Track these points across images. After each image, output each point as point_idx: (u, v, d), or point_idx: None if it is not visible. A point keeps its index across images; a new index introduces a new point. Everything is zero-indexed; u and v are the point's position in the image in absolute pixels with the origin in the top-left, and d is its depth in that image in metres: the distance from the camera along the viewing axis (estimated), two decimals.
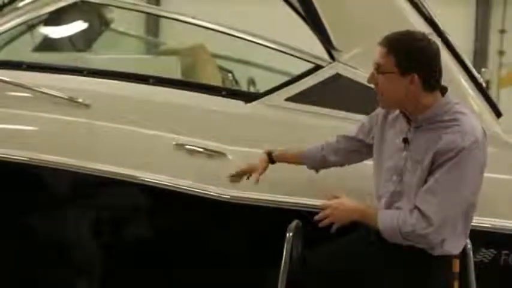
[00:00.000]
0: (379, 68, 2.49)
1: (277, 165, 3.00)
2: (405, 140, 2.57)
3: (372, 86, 2.57)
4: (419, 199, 2.46)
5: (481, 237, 2.93)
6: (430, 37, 2.54)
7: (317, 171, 2.98)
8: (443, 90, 2.54)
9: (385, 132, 2.69)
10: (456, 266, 2.70)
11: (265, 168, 2.96)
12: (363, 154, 2.88)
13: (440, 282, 2.59)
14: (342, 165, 2.96)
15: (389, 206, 2.60)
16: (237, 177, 3.03)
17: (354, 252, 2.66)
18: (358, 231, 2.70)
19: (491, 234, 3.03)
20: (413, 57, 2.45)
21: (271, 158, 2.97)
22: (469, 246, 2.73)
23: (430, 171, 2.47)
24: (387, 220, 2.50)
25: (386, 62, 2.47)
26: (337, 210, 2.58)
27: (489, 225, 3.03)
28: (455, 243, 2.56)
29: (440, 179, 2.43)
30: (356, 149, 2.89)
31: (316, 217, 2.60)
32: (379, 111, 2.76)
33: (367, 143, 2.82)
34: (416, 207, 2.45)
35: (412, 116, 2.54)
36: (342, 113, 3.18)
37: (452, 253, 2.57)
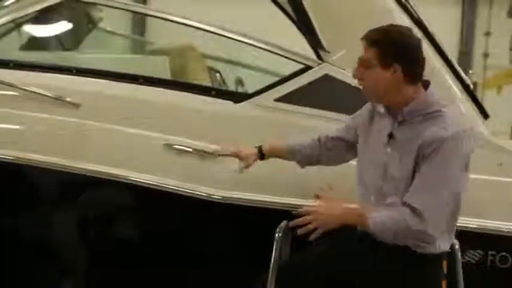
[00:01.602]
0: (362, 62, 2.54)
1: (268, 165, 3.01)
2: (390, 135, 2.59)
3: (357, 81, 2.61)
4: (409, 195, 2.47)
5: (468, 238, 2.95)
6: (412, 31, 2.58)
7: (302, 166, 2.99)
8: (426, 83, 2.57)
9: (370, 130, 2.71)
10: (444, 267, 2.72)
11: (254, 161, 2.97)
12: (350, 154, 2.89)
13: (433, 280, 2.60)
14: (328, 164, 2.98)
15: (378, 202, 2.61)
16: (223, 155, 3.04)
17: (344, 252, 2.65)
18: (348, 231, 2.70)
19: (479, 235, 3.05)
20: (395, 50, 2.49)
21: (261, 152, 2.98)
22: (457, 246, 2.75)
23: (417, 164, 2.48)
24: (380, 220, 2.49)
25: (368, 55, 2.51)
26: (322, 215, 2.58)
27: (476, 226, 3.04)
28: (442, 241, 2.55)
29: (428, 173, 2.45)
30: (343, 149, 2.91)
31: (298, 221, 2.58)
32: (364, 110, 2.79)
33: (353, 143, 2.84)
34: (406, 203, 2.45)
35: (396, 110, 2.57)
36: (331, 114, 3.19)
37: (441, 251, 2.55)
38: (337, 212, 2.59)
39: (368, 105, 2.78)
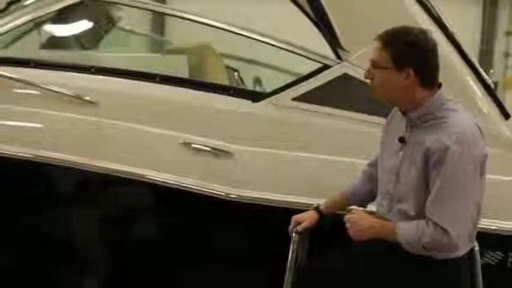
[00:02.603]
0: (375, 63, 2.49)
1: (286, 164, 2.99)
2: (401, 139, 2.57)
3: (368, 81, 2.56)
4: (429, 211, 2.44)
5: (487, 240, 2.92)
6: (428, 33, 2.53)
7: (365, 207, 2.87)
8: (439, 86, 2.53)
9: (389, 135, 2.68)
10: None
11: (314, 221, 2.83)
12: None
13: (447, 284, 2.56)
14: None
15: (390, 208, 2.59)
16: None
17: (360, 254, 2.63)
18: None
19: (498, 236, 3.03)
20: (408, 52, 2.45)
21: (319, 212, 2.86)
22: (476, 248, 2.72)
23: (426, 172, 2.45)
24: (407, 233, 2.46)
25: (382, 57, 2.47)
26: (354, 224, 2.56)
27: (496, 228, 3.02)
28: (464, 246, 2.52)
29: (442, 185, 2.40)
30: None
31: None
32: (385, 123, 2.76)
33: None
34: (428, 219, 2.42)
35: (407, 114, 2.54)
36: (349, 113, 3.18)
37: (458, 256, 2.52)
38: (368, 224, 2.57)
39: (393, 110, 2.73)
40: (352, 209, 2.75)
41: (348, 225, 2.57)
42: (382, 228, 2.54)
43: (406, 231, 2.46)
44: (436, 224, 2.40)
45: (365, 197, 2.86)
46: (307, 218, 2.83)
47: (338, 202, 2.89)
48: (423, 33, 2.51)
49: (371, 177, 2.84)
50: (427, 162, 2.43)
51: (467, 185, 2.42)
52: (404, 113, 2.57)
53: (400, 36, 2.48)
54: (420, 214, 2.47)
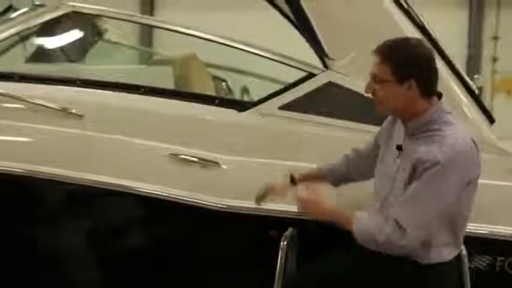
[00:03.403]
0: (375, 78, 2.48)
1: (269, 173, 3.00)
2: (399, 147, 2.57)
3: (370, 95, 2.55)
4: (395, 209, 2.44)
5: (476, 244, 2.93)
6: (424, 42, 2.55)
7: (336, 186, 2.94)
8: (440, 95, 2.54)
9: (389, 142, 2.68)
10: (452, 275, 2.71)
11: (285, 188, 2.92)
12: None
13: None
14: (362, 179, 2.91)
15: (381, 211, 2.57)
16: (260, 198, 2.97)
17: (347, 258, 2.65)
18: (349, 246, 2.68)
19: (487, 240, 3.03)
20: (409, 64, 2.44)
21: (292, 180, 2.92)
22: (464, 252, 2.73)
23: (410, 181, 2.45)
24: (363, 226, 2.47)
25: (382, 71, 2.46)
26: (311, 202, 2.59)
27: (485, 232, 3.02)
28: (443, 253, 2.53)
29: (416, 191, 2.41)
30: (372, 164, 2.80)
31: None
32: (386, 122, 2.76)
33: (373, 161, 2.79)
34: (392, 217, 2.42)
35: (406, 123, 2.54)
36: (335, 121, 3.18)
37: (441, 261, 2.52)
38: (328, 207, 2.58)
39: (389, 119, 2.74)
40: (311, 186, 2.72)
41: (299, 202, 2.61)
42: (333, 217, 2.56)
43: (362, 225, 2.47)
44: (398, 224, 2.39)
45: (339, 179, 2.92)
46: (281, 185, 2.91)
47: (312, 175, 2.95)
48: (420, 43, 2.53)
49: (351, 162, 2.89)
50: (414, 171, 2.43)
51: (439, 201, 2.40)
52: (403, 122, 2.57)
53: (400, 48, 2.48)
54: None
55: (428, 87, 2.48)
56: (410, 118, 2.51)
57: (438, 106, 2.50)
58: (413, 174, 2.43)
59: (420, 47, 2.51)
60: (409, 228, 2.38)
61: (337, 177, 2.93)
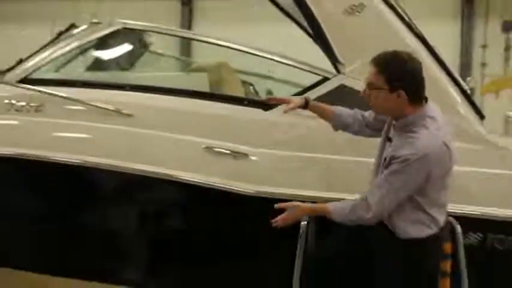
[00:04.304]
0: (371, 85, 2.49)
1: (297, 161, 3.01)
2: (388, 139, 2.58)
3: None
4: (369, 189, 2.54)
5: (470, 224, 2.90)
6: (414, 56, 2.53)
7: (336, 130, 2.94)
8: (426, 101, 2.53)
9: (390, 125, 2.66)
10: (448, 249, 2.66)
11: (297, 105, 2.91)
12: (372, 133, 2.86)
13: (416, 262, 2.54)
14: (354, 134, 2.93)
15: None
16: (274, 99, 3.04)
17: (355, 238, 2.66)
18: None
19: (480, 221, 2.97)
20: (401, 77, 2.45)
21: (306, 103, 2.93)
22: (459, 231, 2.69)
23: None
24: (338, 210, 2.57)
25: (377, 80, 2.47)
26: (289, 215, 2.64)
27: (479, 213, 2.97)
28: (415, 230, 2.52)
29: (385, 178, 2.46)
30: (373, 129, 2.84)
31: (279, 206, 2.67)
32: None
33: (378, 129, 2.77)
34: (366, 198, 2.51)
35: (395, 121, 2.55)
36: None
37: (419, 237, 2.51)
38: (307, 206, 2.66)
39: None
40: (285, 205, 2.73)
41: (282, 218, 2.65)
42: (314, 211, 2.67)
43: (337, 209, 2.57)
44: (368, 204, 2.48)
45: (340, 125, 2.90)
46: (296, 101, 2.91)
47: (322, 110, 2.94)
48: (411, 57, 2.51)
49: (357, 121, 2.87)
50: (389, 162, 2.46)
51: (402, 190, 2.44)
52: (393, 119, 2.57)
53: (393, 62, 2.48)
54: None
55: (415, 96, 2.49)
56: (398, 117, 2.52)
57: (421, 111, 2.49)
58: (388, 165, 2.47)
59: (410, 61, 2.49)
60: (373, 206, 2.47)
61: (341, 122, 2.91)
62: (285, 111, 2.92)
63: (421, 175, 2.42)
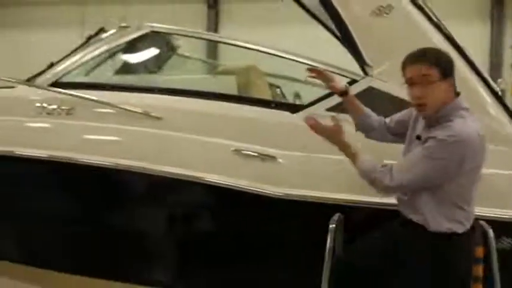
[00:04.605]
0: (424, 79, 2.48)
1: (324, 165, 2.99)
2: (418, 137, 2.58)
3: (415, 100, 2.53)
4: (397, 163, 2.54)
5: (503, 228, 2.83)
6: None
7: (357, 130, 2.95)
8: (458, 93, 2.56)
9: (416, 125, 2.67)
10: (480, 253, 2.63)
11: (335, 88, 2.94)
12: (392, 139, 2.87)
13: (447, 263, 2.51)
14: (376, 139, 2.93)
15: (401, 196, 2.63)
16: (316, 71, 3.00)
17: (383, 246, 2.65)
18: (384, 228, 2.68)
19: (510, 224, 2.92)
20: (448, 67, 2.50)
21: (346, 91, 2.94)
22: (492, 235, 2.65)
23: None
24: (363, 163, 2.58)
25: (432, 73, 2.48)
26: (333, 131, 2.64)
27: (508, 216, 2.91)
28: (450, 224, 2.50)
29: (416, 153, 2.48)
30: (395, 134, 2.85)
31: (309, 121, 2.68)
32: (409, 113, 2.75)
33: (401, 133, 2.79)
34: (391, 166, 2.52)
35: (429, 116, 2.53)
36: None
37: (452, 232, 2.49)
38: (344, 140, 2.65)
39: (412, 111, 2.72)
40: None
41: (325, 129, 2.66)
42: (344, 149, 2.67)
43: (363, 163, 2.59)
44: (391, 172, 2.49)
45: (366, 125, 2.91)
46: (338, 84, 2.94)
47: (356, 105, 2.93)
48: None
49: (382, 126, 2.88)
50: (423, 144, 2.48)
51: (431, 171, 2.44)
52: (426, 117, 2.56)
53: (439, 53, 2.54)
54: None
55: (455, 86, 2.54)
56: (435, 112, 2.50)
57: (457, 101, 2.52)
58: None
59: (448, 54, 2.58)
60: (395, 175, 2.48)
61: (366, 123, 2.91)
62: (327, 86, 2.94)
63: (454, 159, 2.40)
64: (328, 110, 3.18)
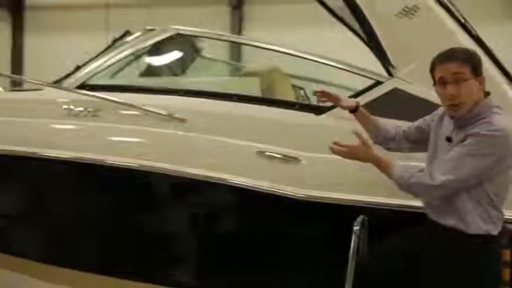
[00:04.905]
0: (460, 77, 2.46)
1: (345, 167, 2.96)
2: (449, 139, 2.54)
3: (449, 101, 2.51)
4: (435, 166, 2.49)
5: None
6: None
7: (375, 143, 2.92)
8: (486, 92, 2.53)
9: (439, 134, 2.64)
10: (507, 256, 2.59)
11: (345, 106, 2.98)
12: (410, 147, 2.85)
13: (477, 265, 2.48)
14: (393, 148, 2.91)
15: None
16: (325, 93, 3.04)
17: (408, 248, 2.62)
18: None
19: None
20: (479, 65, 2.49)
21: (356, 107, 2.96)
22: None
23: None
24: (400, 171, 2.55)
25: (464, 71, 2.46)
26: (358, 149, 2.64)
27: None
28: (486, 226, 2.46)
29: (456, 153, 2.42)
30: (416, 139, 2.83)
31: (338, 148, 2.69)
32: (435, 115, 2.72)
33: (420, 141, 2.77)
34: (430, 171, 2.48)
35: (459, 116, 2.50)
36: (399, 122, 3.10)
37: (487, 233, 2.45)
38: (373, 153, 2.65)
39: (439, 111, 2.70)
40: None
41: (349, 149, 2.66)
42: (376, 162, 2.65)
43: (399, 170, 2.56)
44: (431, 175, 2.45)
45: (383, 136, 2.90)
46: (347, 102, 2.98)
47: (368, 118, 2.94)
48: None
49: (400, 133, 2.86)
50: (462, 142, 2.44)
51: (472, 168, 2.39)
52: (453, 117, 2.53)
53: (469, 52, 2.54)
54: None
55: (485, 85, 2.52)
56: (469, 111, 2.48)
57: (490, 99, 2.50)
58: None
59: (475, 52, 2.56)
60: (436, 176, 2.43)
61: (382, 135, 2.91)
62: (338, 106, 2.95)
63: (499, 155, 2.38)
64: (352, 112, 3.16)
